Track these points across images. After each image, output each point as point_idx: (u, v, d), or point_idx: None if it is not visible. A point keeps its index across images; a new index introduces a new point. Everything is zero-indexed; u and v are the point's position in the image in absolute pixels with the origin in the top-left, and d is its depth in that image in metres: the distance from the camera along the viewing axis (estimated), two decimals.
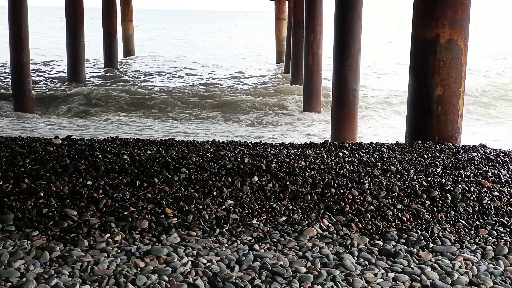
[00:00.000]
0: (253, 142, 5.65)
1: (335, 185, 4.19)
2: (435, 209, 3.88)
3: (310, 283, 2.84)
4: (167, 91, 18.57)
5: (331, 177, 4.35)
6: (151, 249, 3.15)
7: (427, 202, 3.97)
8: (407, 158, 4.98)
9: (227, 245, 3.27)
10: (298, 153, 5.06)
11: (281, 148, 5.36)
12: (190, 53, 34.30)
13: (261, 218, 3.65)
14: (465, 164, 4.82)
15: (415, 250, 3.26)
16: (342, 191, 4.09)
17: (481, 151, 5.34)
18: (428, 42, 5.64)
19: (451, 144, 5.59)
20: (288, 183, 4.19)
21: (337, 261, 3.08)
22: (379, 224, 3.60)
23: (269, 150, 5.19)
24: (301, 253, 3.17)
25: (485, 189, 4.22)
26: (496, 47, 39.23)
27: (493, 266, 3.11)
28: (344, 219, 3.68)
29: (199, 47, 40.52)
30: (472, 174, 4.54)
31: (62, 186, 3.99)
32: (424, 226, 3.61)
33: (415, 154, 5.13)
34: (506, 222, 3.70)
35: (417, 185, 4.24)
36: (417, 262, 3.13)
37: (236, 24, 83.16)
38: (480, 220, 3.74)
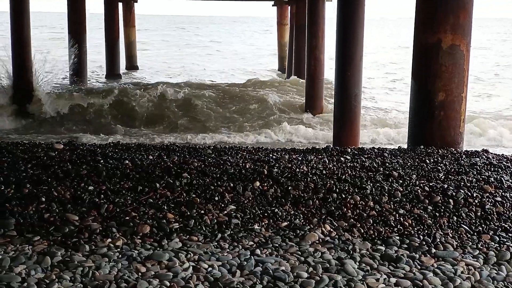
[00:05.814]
0: (255, 147, 5.65)
1: (337, 190, 4.18)
2: (437, 214, 3.86)
3: None
4: None
5: (333, 182, 4.34)
6: (153, 254, 3.15)
7: (429, 207, 3.96)
8: (409, 163, 4.97)
9: (228, 250, 3.26)
10: (300, 158, 5.05)
11: (283, 153, 5.36)
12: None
13: (263, 223, 3.64)
14: (468, 169, 4.80)
15: (417, 255, 3.25)
16: (344, 196, 4.08)
17: (484, 157, 5.33)
18: (430, 48, 5.63)
19: (453, 149, 5.59)
20: (289, 188, 4.18)
21: (339, 266, 3.07)
22: (381, 229, 3.59)
23: (270, 155, 5.18)
24: (302, 258, 3.16)
25: (488, 194, 4.21)
26: None
27: (496, 272, 3.10)
28: (346, 224, 3.67)
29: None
30: (474, 180, 4.52)
31: (63, 191, 3.99)
32: (426, 231, 3.60)
33: (417, 159, 5.12)
34: (508, 227, 3.69)
35: (419, 190, 4.22)
36: (419, 267, 3.12)
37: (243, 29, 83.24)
38: (483, 225, 3.72)
